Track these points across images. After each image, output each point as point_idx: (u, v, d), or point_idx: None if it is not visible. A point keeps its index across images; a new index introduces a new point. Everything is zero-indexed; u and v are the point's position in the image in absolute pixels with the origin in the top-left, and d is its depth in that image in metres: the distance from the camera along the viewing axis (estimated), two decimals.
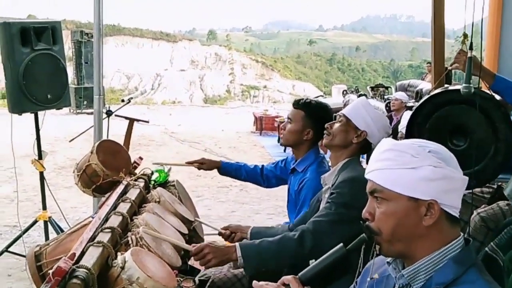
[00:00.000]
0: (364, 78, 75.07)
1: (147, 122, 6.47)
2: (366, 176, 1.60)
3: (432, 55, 3.34)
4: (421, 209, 1.51)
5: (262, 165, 3.74)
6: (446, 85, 3.50)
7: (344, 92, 13.65)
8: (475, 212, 3.22)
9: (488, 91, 3.13)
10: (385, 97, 11.24)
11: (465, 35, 3.12)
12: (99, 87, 4.76)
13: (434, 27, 3.32)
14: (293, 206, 3.28)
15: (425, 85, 10.58)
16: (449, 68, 3.23)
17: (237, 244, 2.50)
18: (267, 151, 11.93)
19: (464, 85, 3.01)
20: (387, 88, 14.13)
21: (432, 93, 3.27)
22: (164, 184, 3.29)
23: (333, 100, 14.19)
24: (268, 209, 7.48)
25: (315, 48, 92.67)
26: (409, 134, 3.25)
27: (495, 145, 3.15)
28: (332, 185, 2.63)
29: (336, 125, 2.82)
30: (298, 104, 3.37)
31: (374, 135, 2.75)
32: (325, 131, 2.85)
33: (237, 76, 51.95)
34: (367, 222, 1.60)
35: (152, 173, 3.32)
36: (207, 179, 8.64)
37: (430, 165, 1.49)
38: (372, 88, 14.14)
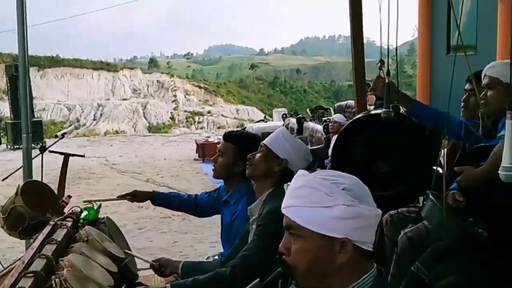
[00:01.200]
0: (306, 99, 76.19)
1: (83, 156, 6.36)
2: (282, 210, 1.62)
3: (353, 80, 3.44)
4: (335, 246, 1.53)
5: (196, 195, 3.75)
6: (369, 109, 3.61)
7: (284, 116, 13.81)
8: (402, 232, 3.30)
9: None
10: (323, 119, 11.42)
11: (382, 62, 3.24)
12: (27, 125, 4.67)
13: (353, 52, 3.42)
14: (227, 237, 3.29)
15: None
16: (368, 93, 3.33)
17: (168, 285, 2.51)
18: (210, 178, 11.87)
19: (384, 109, 3.12)
20: (326, 109, 14.35)
21: (354, 118, 3.37)
22: (94, 221, 3.24)
23: (274, 124, 14.33)
24: (211, 237, 7.44)
25: (257, 72, 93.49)
26: (334, 159, 3.34)
27: (417, 166, 3.27)
28: (259, 216, 2.67)
29: (258, 155, 2.87)
30: (229, 137, 3.38)
31: (294, 163, 2.81)
32: (247, 162, 2.89)
33: (181, 102, 51.88)
34: (283, 257, 1.62)
35: (81, 211, 3.27)
36: (149, 210, 8.55)
37: (343, 204, 1.52)
38: (312, 110, 14.32)
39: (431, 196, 2.57)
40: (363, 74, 3.46)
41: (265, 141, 2.89)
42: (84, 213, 3.24)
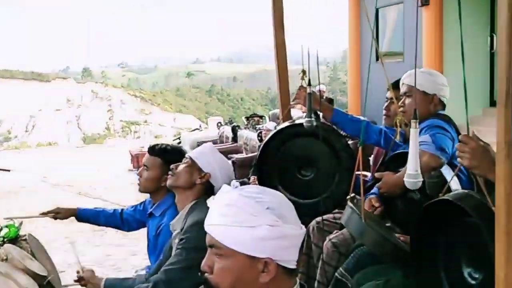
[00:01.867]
0: (243, 107, 76.46)
1: (8, 171, 6.17)
2: (205, 228, 1.60)
3: (278, 88, 3.48)
4: (258, 266, 1.53)
5: (122, 209, 3.70)
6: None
7: (219, 124, 13.81)
8: (327, 239, 3.36)
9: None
10: (258, 127, 11.48)
11: (303, 72, 3.29)
12: None
13: (277, 62, 3.46)
14: (153, 250, 3.27)
15: (297, 112, 10.94)
16: (291, 103, 3.39)
17: None
18: None
19: (306, 119, 3.18)
20: (261, 117, 14.42)
21: (278, 128, 3.42)
22: (15, 239, 3.15)
23: (210, 132, 14.31)
24: (145, 249, 7.34)
25: (194, 80, 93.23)
26: (259, 167, 3.37)
27: (339, 173, 3.34)
28: (181, 230, 2.66)
29: (181, 166, 2.87)
30: (154, 151, 3.36)
31: (217, 178, 2.83)
32: (169, 172, 2.89)
33: (116, 112, 51.12)
34: (206, 275, 1.61)
35: (1, 229, 3.17)
36: (81, 223, 8.36)
37: (267, 224, 1.51)
38: (247, 118, 14.37)
39: (349, 203, 2.62)
40: (287, 84, 3.51)
41: (191, 154, 2.91)
42: (4, 231, 3.14)
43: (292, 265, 1.58)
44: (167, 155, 3.28)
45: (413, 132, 2.00)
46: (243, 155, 10.11)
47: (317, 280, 3.36)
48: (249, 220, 1.52)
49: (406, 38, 11.75)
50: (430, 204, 2.03)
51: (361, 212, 2.48)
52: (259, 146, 9.85)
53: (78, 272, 2.92)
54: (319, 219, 3.54)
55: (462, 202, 1.82)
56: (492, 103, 10.37)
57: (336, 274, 3.01)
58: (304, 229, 1.60)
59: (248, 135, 11.00)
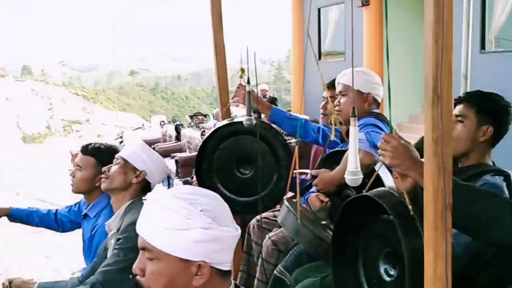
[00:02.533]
0: (188, 105, 75.93)
1: None
2: (137, 230, 1.56)
3: (217, 86, 3.46)
4: (191, 269, 1.50)
5: (56, 210, 3.60)
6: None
7: (162, 123, 13.66)
8: (267, 237, 3.37)
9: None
10: (201, 125, 11.41)
11: (242, 70, 3.29)
12: None
13: (216, 61, 3.44)
14: (88, 252, 3.19)
15: (240, 111, 10.93)
16: (230, 101, 3.38)
17: None
18: None
19: (246, 117, 3.17)
20: (205, 116, 14.35)
21: (217, 126, 3.40)
22: None
23: (152, 131, 14.14)
24: None
25: (138, 78, 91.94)
26: (198, 166, 3.35)
27: (278, 171, 3.36)
28: (118, 230, 2.61)
29: (114, 167, 2.82)
30: (87, 150, 3.26)
31: (153, 174, 2.79)
32: (103, 175, 2.83)
33: (57, 111, 49.92)
34: (137, 277, 1.57)
35: None
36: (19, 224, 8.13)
37: (201, 227, 1.47)
38: (191, 117, 14.27)
39: (286, 202, 2.64)
40: (226, 83, 3.49)
41: (122, 153, 2.85)
42: None
43: (227, 267, 1.56)
44: (101, 154, 3.19)
45: (352, 130, 2.02)
46: (186, 154, 10.04)
47: (256, 278, 3.36)
48: (182, 223, 1.47)
49: (347, 38, 11.93)
50: (353, 199, 2.06)
51: (297, 211, 2.50)
52: None
53: (3, 284, 2.81)
54: (259, 217, 3.55)
55: (381, 199, 1.85)
56: None
57: (275, 271, 3.03)
58: (239, 230, 1.57)
59: (191, 134, 10.92)
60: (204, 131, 10.40)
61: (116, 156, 2.84)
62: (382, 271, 1.98)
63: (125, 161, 2.80)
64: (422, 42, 1.64)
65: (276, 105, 13.94)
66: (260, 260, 3.34)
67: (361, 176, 1.98)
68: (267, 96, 14.18)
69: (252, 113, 3.19)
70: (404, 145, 1.77)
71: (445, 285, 1.62)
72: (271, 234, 3.38)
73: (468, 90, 4.32)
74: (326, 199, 3.00)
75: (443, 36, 1.55)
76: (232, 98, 3.37)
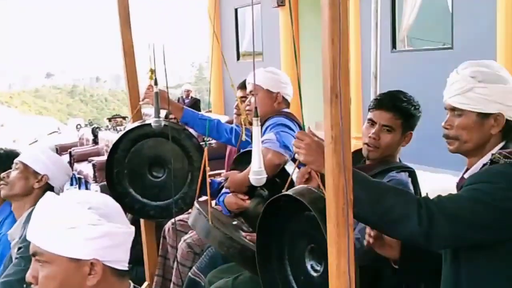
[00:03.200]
0: (108, 108, 74.25)
1: None
2: (27, 236, 1.52)
3: (126, 88, 3.39)
4: (84, 269, 1.47)
5: None
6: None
7: (78, 127, 13.31)
8: (182, 240, 3.33)
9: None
10: (119, 128, 11.20)
11: (152, 71, 3.24)
12: None
13: (124, 60, 3.37)
14: None
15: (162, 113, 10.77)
16: (140, 103, 3.32)
17: None
18: None
19: (154, 119, 3.12)
20: (124, 118, 14.07)
21: (127, 128, 3.33)
22: None
23: (69, 136, 13.73)
24: None
25: (54, 80, 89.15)
26: (109, 170, 3.26)
27: (191, 173, 3.32)
28: (20, 239, 2.51)
29: (14, 173, 2.71)
30: None
31: (55, 178, 2.72)
32: (1, 182, 2.71)
33: None
34: (32, 286, 1.52)
35: None
36: None
37: (88, 224, 1.45)
38: (109, 119, 13.96)
39: (196, 204, 2.61)
40: (136, 84, 3.42)
41: (21, 158, 2.74)
42: None
43: (123, 266, 1.55)
44: (0, 160, 3.05)
45: (255, 130, 2.02)
46: (104, 158, 9.80)
47: (172, 282, 3.32)
48: (69, 221, 1.46)
49: (264, 38, 12.03)
50: (274, 199, 2.06)
51: (207, 213, 2.48)
52: None
53: None
54: (173, 220, 3.51)
55: (301, 197, 1.86)
56: None
57: (190, 273, 3.01)
58: (132, 228, 1.56)
59: (109, 137, 10.68)
60: None
61: (15, 160, 2.73)
62: (309, 267, 1.99)
63: (25, 165, 2.69)
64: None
65: (199, 106, 13.90)
66: (175, 263, 3.29)
67: (265, 175, 1.98)
68: (190, 97, 14.12)
69: (159, 115, 3.16)
70: (318, 142, 1.79)
71: (348, 280, 1.64)
72: (186, 237, 3.35)
73: (378, 88, 4.42)
74: (246, 197, 2.99)
75: (340, 35, 1.56)
76: (142, 99, 3.31)
